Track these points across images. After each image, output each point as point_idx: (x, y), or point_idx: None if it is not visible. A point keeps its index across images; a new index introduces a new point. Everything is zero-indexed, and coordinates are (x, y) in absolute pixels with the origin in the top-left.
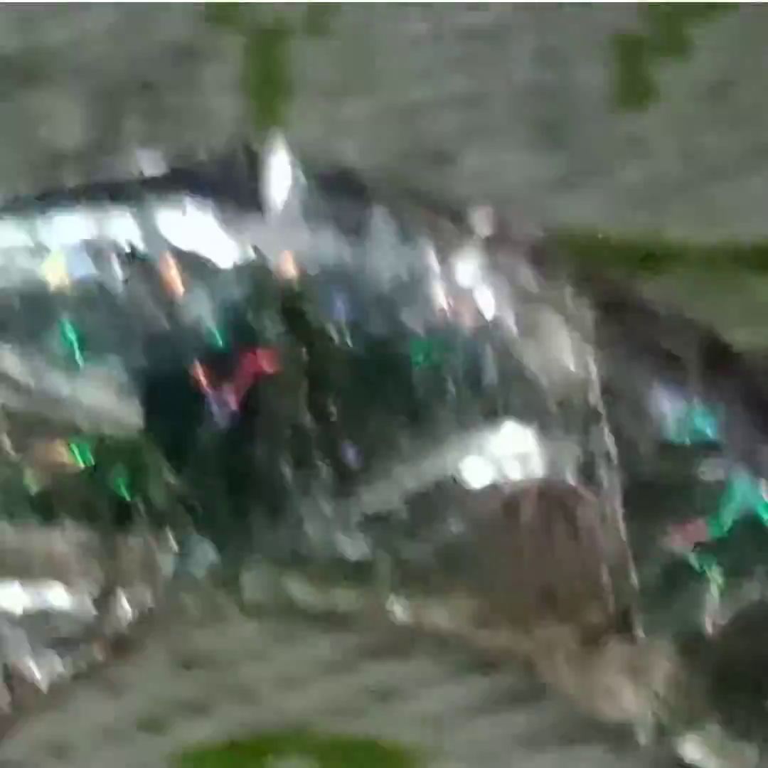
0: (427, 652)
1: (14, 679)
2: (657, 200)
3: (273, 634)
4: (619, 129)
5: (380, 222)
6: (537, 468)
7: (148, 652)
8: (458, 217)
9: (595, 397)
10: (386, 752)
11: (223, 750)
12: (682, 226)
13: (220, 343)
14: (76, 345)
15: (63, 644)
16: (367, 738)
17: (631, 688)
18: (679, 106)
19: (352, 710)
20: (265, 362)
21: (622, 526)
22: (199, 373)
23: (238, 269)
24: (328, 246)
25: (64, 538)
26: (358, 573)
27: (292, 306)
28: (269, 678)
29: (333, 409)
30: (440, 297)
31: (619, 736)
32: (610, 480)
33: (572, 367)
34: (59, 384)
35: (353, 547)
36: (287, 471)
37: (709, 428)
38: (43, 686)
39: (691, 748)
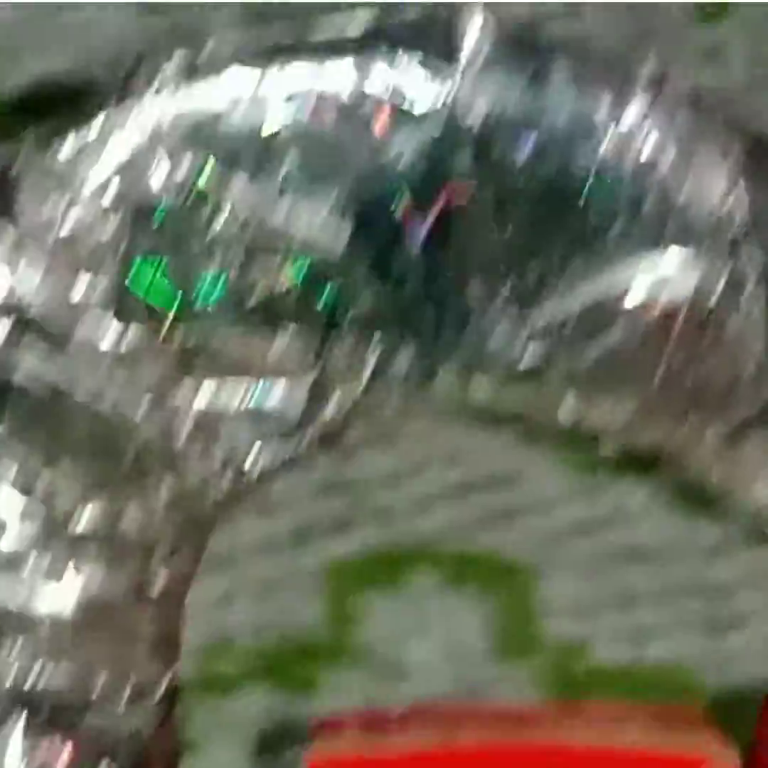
0: (539, 477)
1: (232, 467)
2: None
3: (405, 463)
4: (698, 40)
5: (560, 72)
6: (690, 285)
7: (298, 477)
8: (627, 68)
9: (741, 224)
10: (505, 565)
11: (363, 563)
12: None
13: (419, 178)
14: (294, 180)
15: (276, 437)
16: (489, 553)
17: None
18: (749, 19)
19: (475, 529)
20: (457, 194)
21: (762, 336)
22: (400, 203)
23: (435, 113)
24: (513, 93)
25: (282, 343)
26: (534, 377)
27: (481, 146)
28: (403, 501)
29: (516, 236)
30: (609, 137)
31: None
32: (753, 297)
33: (722, 199)
34: (280, 212)
35: (530, 354)
36: (475, 288)
37: None
38: (256, 475)
39: None
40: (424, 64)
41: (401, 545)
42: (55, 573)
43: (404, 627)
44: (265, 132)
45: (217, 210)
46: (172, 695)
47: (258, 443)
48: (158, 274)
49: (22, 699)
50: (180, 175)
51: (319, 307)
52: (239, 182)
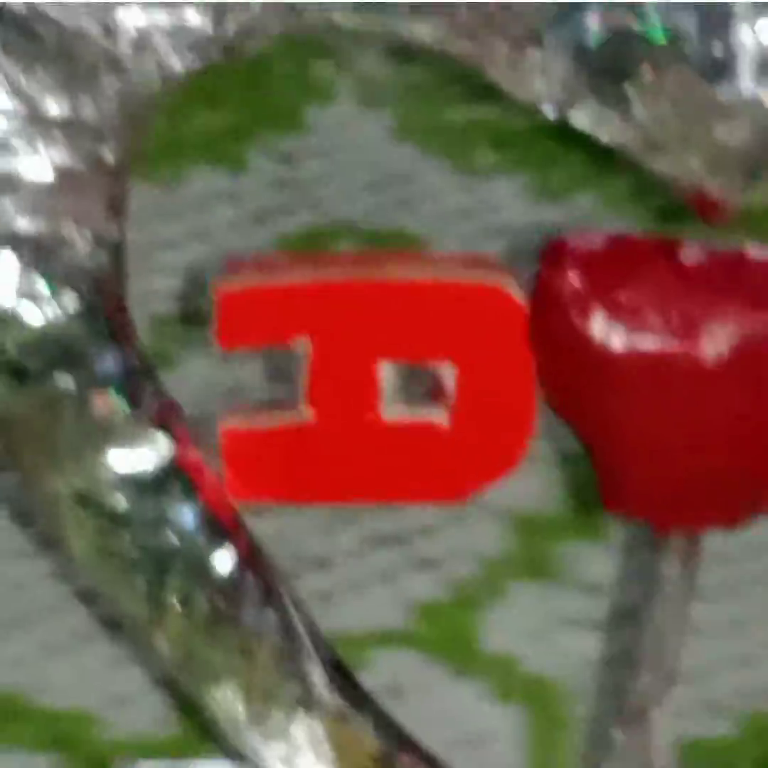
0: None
1: (162, 69)
2: None
3: (335, 169)
4: None
5: None
6: None
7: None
8: None
9: None
10: (410, 239)
11: (303, 236)
12: None
13: None
14: None
15: (193, 47)
16: (398, 230)
17: None
18: None
19: (387, 213)
20: None
21: None
22: None
23: None
24: None
25: None
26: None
27: None
28: (332, 193)
29: None
30: None
31: None
32: None
33: None
34: None
35: None
36: None
37: None
38: (182, 75)
39: (579, 118)
40: None
41: (331, 225)
42: (32, 149)
43: None
44: None
45: None
46: (119, 248)
47: (181, 52)
48: None
49: (9, 241)
50: None
51: None
52: None
